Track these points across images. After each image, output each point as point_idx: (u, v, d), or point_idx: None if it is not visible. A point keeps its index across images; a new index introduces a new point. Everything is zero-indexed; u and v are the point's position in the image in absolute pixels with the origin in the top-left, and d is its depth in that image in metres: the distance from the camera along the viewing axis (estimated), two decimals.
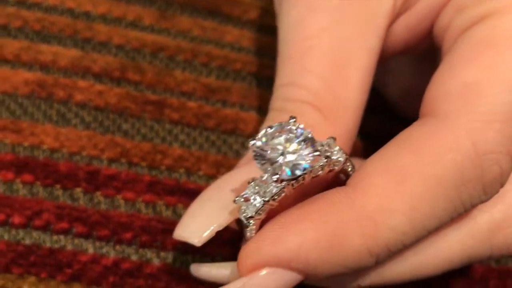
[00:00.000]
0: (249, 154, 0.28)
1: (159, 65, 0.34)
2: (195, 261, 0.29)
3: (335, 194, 0.24)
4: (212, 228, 0.25)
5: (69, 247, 0.29)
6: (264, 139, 0.24)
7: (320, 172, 0.24)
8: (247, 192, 0.24)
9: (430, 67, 0.30)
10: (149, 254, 0.29)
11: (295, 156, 0.24)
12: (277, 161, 0.24)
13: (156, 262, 0.29)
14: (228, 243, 0.29)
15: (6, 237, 0.29)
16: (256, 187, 0.24)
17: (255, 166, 0.25)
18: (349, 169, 0.26)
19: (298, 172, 0.24)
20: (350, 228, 0.24)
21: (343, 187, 0.25)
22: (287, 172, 0.24)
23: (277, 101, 0.28)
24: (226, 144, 0.33)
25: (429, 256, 0.27)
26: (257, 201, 0.24)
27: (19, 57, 0.33)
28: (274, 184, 0.24)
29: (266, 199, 0.24)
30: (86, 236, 0.29)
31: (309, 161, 0.24)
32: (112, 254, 0.29)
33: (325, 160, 0.24)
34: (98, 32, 0.34)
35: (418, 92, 0.30)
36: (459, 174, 0.24)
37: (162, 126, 0.32)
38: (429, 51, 0.30)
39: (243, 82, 0.35)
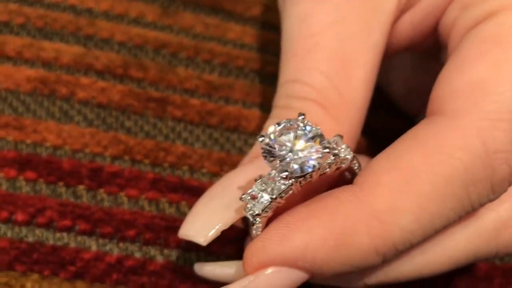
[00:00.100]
0: (252, 152, 0.28)
1: (162, 62, 0.34)
2: (199, 258, 0.29)
3: (342, 193, 0.24)
4: (217, 227, 0.25)
5: (72, 244, 0.29)
6: (272, 136, 0.24)
7: (327, 170, 0.24)
8: (254, 189, 0.24)
9: (434, 64, 0.30)
10: (153, 251, 0.29)
11: (304, 153, 0.24)
12: (285, 158, 0.24)
13: (159, 259, 0.29)
14: (232, 241, 0.29)
15: (9, 234, 0.28)
16: (263, 185, 0.24)
17: (260, 163, 0.25)
18: (356, 167, 0.25)
19: (307, 169, 0.24)
20: (357, 227, 0.24)
21: (350, 186, 0.25)
22: (296, 169, 0.24)
23: (281, 98, 0.28)
24: (229, 142, 0.33)
25: (435, 255, 0.27)
26: (264, 198, 0.24)
27: (21, 54, 0.33)
28: (282, 181, 0.24)
29: (274, 196, 0.24)
30: (89, 233, 0.29)
31: (318, 159, 0.24)
32: (116, 252, 0.29)
33: (333, 157, 0.24)
34: (101, 29, 0.34)
35: (421, 90, 0.30)
36: (468, 173, 0.24)
37: (165, 123, 0.32)
38: (433, 48, 0.30)
39: (245, 79, 0.35)
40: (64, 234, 0.29)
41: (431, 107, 0.26)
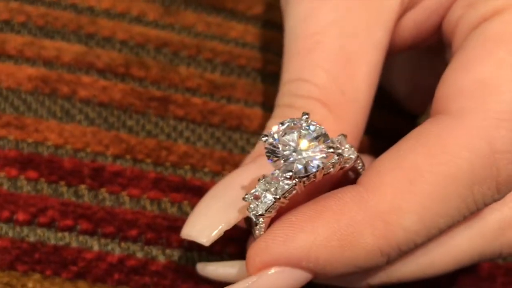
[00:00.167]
0: (254, 152, 0.28)
1: (164, 61, 0.34)
2: (201, 258, 0.29)
3: (346, 193, 0.24)
4: (220, 227, 0.25)
5: (74, 244, 0.29)
6: (276, 136, 0.24)
7: (331, 170, 0.24)
8: (257, 189, 0.24)
9: (437, 63, 0.30)
10: (155, 251, 0.29)
11: (308, 153, 0.23)
12: (289, 158, 0.23)
13: (161, 259, 0.29)
14: (235, 241, 0.29)
15: (10, 234, 0.28)
16: (267, 184, 0.24)
17: (262, 163, 0.25)
18: (359, 167, 0.25)
19: (311, 169, 0.23)
20: (361, 227, 0.24)
21: (354, 186, 0.25)
22: (300, 169, 0.23)
23: (284, 96, 0.28)
24: (231, 141, 0.32)
25: (439, 255, 0.27)
26: (268, 198, 0.24)
27: (22, 53, 0.32)
28: (286, 181, 0.24)
29: (277, 196, 0.24)
30: (91, 233, 0.29)
31: (322, 158, 0.23)
32: (117, 251, 0.29)
33: (337, 157, 0.24)
34: (102, 28, 0.34)
35: (424, 89, 0.30)
36: (473, 173, 0.24)
37: (166, 123, 0.32)
38: (437, 47, 0.30)
39: (247, 78, 0.34)
40: (66, 234, 0.29)
41: (435, 106, 0.26)
